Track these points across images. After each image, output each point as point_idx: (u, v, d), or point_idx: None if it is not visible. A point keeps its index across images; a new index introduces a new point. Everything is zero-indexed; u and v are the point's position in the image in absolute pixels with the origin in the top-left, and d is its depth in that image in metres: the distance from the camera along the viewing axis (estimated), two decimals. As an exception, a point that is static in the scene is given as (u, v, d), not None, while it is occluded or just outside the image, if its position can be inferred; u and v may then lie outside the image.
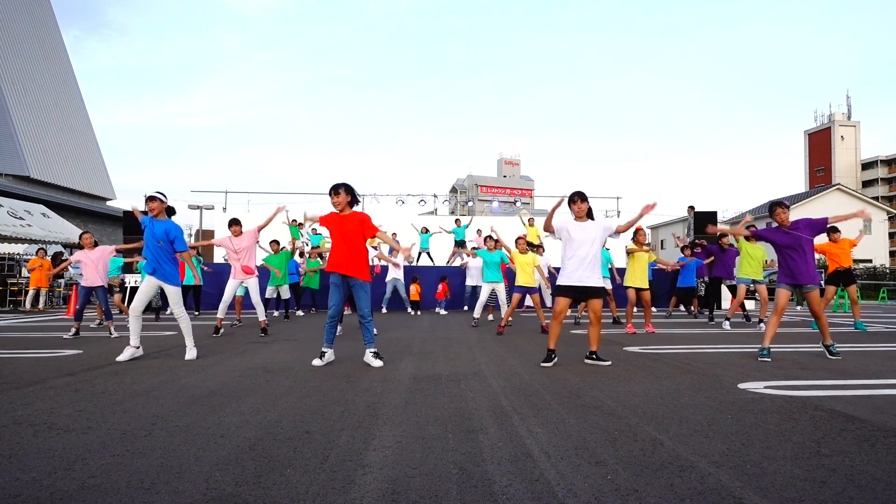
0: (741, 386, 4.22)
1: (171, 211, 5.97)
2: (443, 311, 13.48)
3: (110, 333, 7.98)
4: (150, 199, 5.83)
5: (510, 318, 9.02)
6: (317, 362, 5.23)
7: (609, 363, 5.27)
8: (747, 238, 8.52)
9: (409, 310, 13.54)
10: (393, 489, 2.18)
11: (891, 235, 53.75)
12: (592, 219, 5.40)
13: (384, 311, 13.50)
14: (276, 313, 11.88)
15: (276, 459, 2.52)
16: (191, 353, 5.75)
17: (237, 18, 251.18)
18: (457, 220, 18.58)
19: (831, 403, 3.62)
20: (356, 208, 5.53)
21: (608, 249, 10.38)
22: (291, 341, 7.32)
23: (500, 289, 9.72)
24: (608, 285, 9.89)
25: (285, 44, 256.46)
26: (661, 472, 2.36)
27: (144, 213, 5.92)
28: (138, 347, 5.73)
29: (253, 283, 8.04)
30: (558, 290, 5.30)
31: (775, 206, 5.76)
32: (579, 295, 5.30)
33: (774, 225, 5.90)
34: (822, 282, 9.72)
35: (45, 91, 47.54)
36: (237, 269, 7.98)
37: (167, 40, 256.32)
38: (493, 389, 4.13)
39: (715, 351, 6.38)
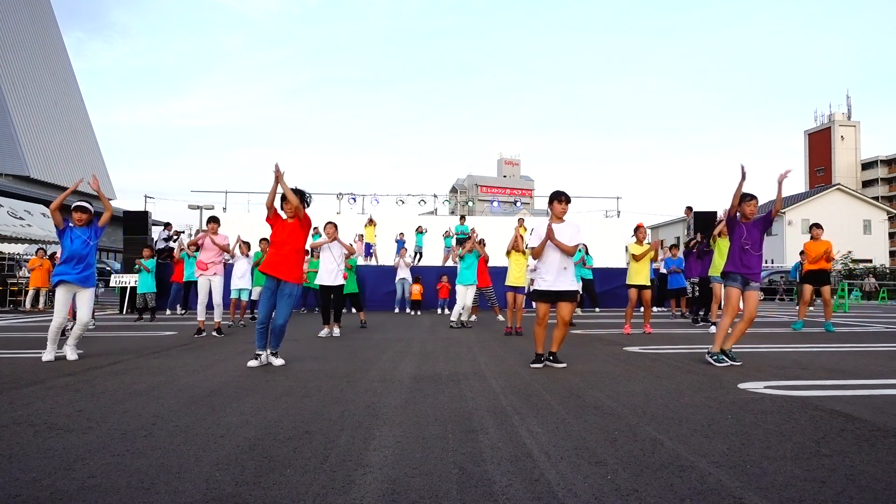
0: (741, 386, 4.22)
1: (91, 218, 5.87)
2: (446, 311, 13.50)
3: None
4: (80, 209, 5.76)
5: (513, 319, 8.92)
6: (252, 363, 5.22)
7: (564, 365, 5.12)
8: (720, 234, 8.25)
9: (409, 310, 13.59)
10: (393, 489, 2.18)
11: (891, 235, 53.73)
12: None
13: (396, 311, 13.68)
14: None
15: (276, 459, 2.52)
16: (70, 353, 5.66)
17: (238, 19, 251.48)
18: (462, 218, 18.75)
19: (831, 403, 3.62)
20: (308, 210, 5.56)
21: (582, 249, 10.26)
22: (291, 341, 7.31)
23: (472, 291, 9.74)
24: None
25: (285, 44, 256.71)
26: (661, 472, 2.36)
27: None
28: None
29: (217, 283, 8.11)
30: (536, 296, 5.25)
31: (745, 199, 5.43)
32: (553, 299, 5.22)
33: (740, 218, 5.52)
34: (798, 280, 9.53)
35: (45, 91, 47.54)
36: (199, 265, 8.12)
37: (169, 41, 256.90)
38: (493, 389, 4.13)
39: (715, 351, 6.37)
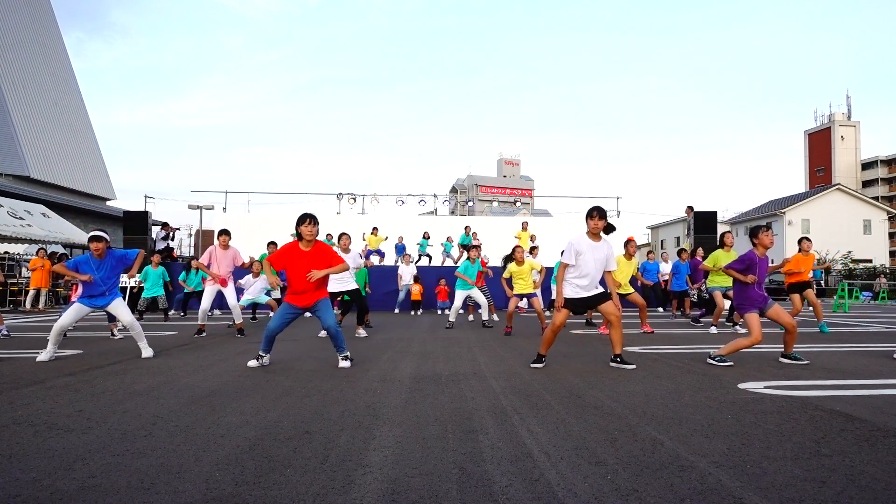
0: (741, 386, 4.22)
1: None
2: (445, 311, 13.53)
3: (112, 334, 7.98)
4: (97, 238, 5.76)
5: (511, 321, 8.95)
6: (252, 363, 5.25)
7: (633, 367, 5.09)
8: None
9: (409, 310, 13.69)
10: (393, 489, 2.18)
11: (891, 235, 53.72)
12: (610, 230, 5.22)
13: (396, 311, 13.95)
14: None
15: (276, 459, 2.52)
16: (146, 352, 5.86)
17: (238, 19, 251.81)
18: (466, 228, 19.22)
19: (831, 403, 3.62)
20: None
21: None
22: (291, 341, 7.32)
23: (476, 293, 9.76)
24: None
25: (285, 44, 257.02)
26: (661, 472, 2.36)
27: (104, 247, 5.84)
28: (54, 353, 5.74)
29: (227, 290, 8.30)
30: (563, 303, 5.20)
31: (761, 229, 5.50)
32: (581, 308, 5.22)
33: (753, 250, 5.49)
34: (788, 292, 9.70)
35: (45, 91, 47.52)
36: (213, 277, 8.27)
37: (169, 41, 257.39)
38: (493, 389, 4.13)
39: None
